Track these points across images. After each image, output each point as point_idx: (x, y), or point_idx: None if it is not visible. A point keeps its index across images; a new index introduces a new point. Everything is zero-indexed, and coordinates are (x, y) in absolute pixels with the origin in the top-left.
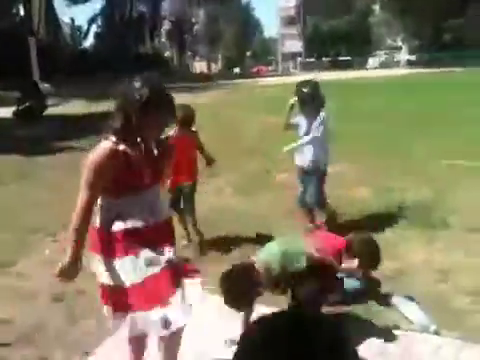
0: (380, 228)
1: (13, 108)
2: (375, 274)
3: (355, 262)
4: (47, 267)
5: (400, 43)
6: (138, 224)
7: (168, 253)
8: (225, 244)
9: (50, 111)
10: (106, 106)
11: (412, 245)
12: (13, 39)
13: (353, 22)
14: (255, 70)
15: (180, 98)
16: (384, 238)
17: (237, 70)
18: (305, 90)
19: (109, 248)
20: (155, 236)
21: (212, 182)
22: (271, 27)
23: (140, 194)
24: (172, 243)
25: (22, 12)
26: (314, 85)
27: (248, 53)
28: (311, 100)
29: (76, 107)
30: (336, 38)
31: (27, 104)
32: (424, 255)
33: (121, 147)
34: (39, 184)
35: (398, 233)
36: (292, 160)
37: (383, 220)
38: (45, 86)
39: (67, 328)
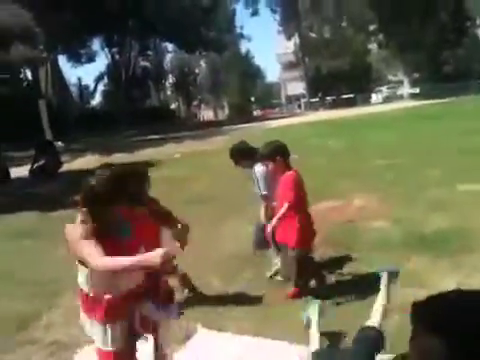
0: (404, 258)
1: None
2: (406, 305)
3: None
4: (71, 317)
5: (401, 77)
6: None
7: None
8: None
9: (64, 167)
10: (119, 159)
11: (439, 273)
12: (24, 103)
13: (352, 62)
14: (261, 113)
15: (186, 147)
16: (409, 268)
17: (256, 113)
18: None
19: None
20: None
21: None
22: (273, 71)
23: None
24: None
25: (30, 76)
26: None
27: (252, 98)
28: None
29: (90, 162)
30: (337, 77)
31: (42, 162)
32: (453, 281)
33: None
34: (54, 239)
35: (423, 262)
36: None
37: (405, 250)
38: (58, 144)
39: None
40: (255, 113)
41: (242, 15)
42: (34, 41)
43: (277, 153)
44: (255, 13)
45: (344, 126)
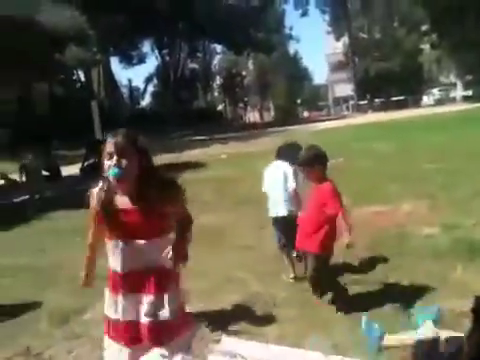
0: (451, 266)
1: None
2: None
3: None
4: None
5: (453, 79)
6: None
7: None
8: None
9: None
10: (166, 159)
11: None
12: (77, 103)
13: (403, 64)
14: (307, 116)
15: (232, 148)
16: (456, 277)
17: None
18: None
19: None
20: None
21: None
22: (320, 74)
23: None
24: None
25: (83, 78)
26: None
27: (299, 100)
28: None
29: None
30: (387, 79)
31: (92, 160)
32: None
33: None
34: None
35: (471, 271)
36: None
37: (453, 258)
38: None
39: None
40: (301, 115)
41: (291, 15)
42: (87, 43)
43: (316, 161)
44: (305, 14)
45: (393, 129)
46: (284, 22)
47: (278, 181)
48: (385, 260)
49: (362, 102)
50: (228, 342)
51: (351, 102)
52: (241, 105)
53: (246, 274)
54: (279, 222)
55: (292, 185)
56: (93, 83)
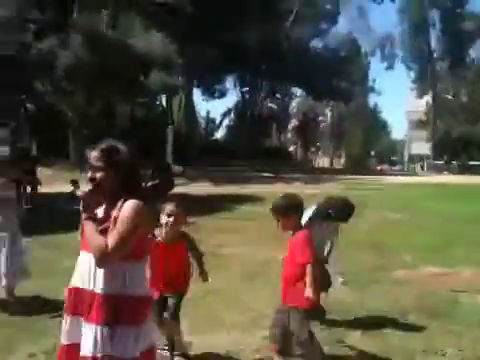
0: None
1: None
2: None
3: None
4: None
5: None
6: None
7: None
8: None
9: (176, 190)
10: (228, 190)
11: None
12: (155, 126)
13: None
14: (379, 169)
15: (295, 188)
16: None
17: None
18: None
19: None
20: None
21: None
22: (399, 129)
23: None
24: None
25: (164, 103)
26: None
27: (372, 152)
28: None
29: (202, 188)
30: (469, 142)
31: (156, 182)
32: None
33: None
34: None
35: None
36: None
37: None
38: (176, 168)
39: None
40: (373, 167)
41: (376, 68)
42: (173, 71)
43: (291, 210)
44: (390, 67)
45: (468, 192)
46: (368, 74)
47: None
48: (432, 323)
49: (438, 162)
50: None
51: (426, 161)
52: (313, 149)
53: None
54: None
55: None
56: (173, 110)
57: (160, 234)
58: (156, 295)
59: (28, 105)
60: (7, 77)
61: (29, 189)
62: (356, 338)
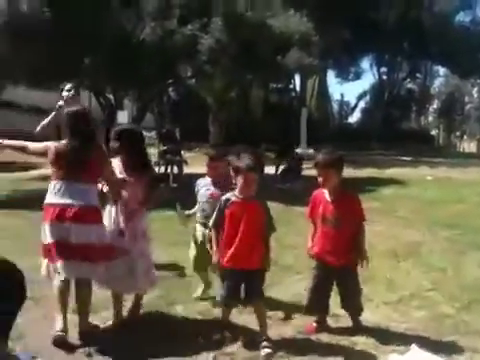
0: None
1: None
2: None
3: None
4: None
5: None
6: None
7: None
8: None
9: (307, 172)
10: (366, 173)
11: None
12: (287, 110)
13: None
14: None
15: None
16: None
17: None
18: None
19: None
20: None
21: None
22: None
23: None
24: None
25: (298, 86)
26: None
27: None
28: None
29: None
30: None
31: (285, 165)
32: None
33: None
34: (294, 230)
35: None
36: None
37: None
38: (308, 151)
39: None
40: None
41: None
42: (311, 50)
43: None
44: None
45: None
46: None
47: None
48: None
49: None
50: (417, 352)
51: None
52: (457, 133)
53: (436, 295)
54: None
55: None
56: (307, 92)
57: None
58: None
59: (171, 91)
60: (153, 64)
61: (176, 169)
62: None
